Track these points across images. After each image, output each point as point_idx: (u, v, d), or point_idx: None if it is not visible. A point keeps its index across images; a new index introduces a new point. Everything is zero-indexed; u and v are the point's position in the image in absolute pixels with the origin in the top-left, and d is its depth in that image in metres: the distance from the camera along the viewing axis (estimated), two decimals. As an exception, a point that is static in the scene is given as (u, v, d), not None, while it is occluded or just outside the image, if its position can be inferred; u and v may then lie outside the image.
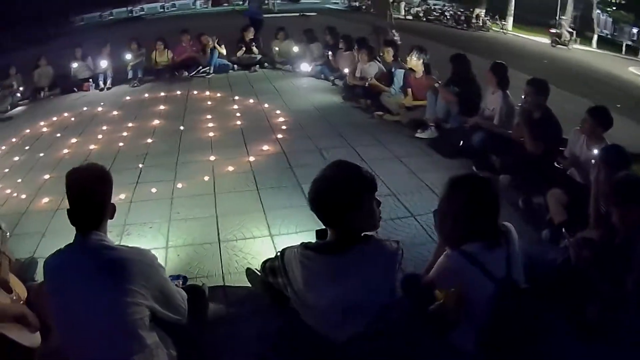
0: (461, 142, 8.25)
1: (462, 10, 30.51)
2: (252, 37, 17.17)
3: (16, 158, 10.10)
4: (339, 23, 21.28)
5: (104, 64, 16.45)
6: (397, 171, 7.84)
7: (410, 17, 34.24)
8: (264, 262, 3.91)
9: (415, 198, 6.94)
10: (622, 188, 4.14)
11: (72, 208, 3.30)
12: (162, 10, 50.19)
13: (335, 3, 42.53)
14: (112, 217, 3.45)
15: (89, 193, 3.30)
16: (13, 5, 35.73)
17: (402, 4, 36.34)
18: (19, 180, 8.56)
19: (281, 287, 3.26)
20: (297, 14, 27.80)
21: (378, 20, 17.81)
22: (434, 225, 3.94)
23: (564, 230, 4.52)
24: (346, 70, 13.00)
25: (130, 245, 3.46)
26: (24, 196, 7.90)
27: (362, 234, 3.08)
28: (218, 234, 6.34)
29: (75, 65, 16.70)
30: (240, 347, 4.33)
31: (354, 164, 3.15)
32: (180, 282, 4.90)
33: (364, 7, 38.47)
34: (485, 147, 7.71)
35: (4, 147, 11.05)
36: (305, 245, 3.16)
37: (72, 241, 3.32)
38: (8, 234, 5.46)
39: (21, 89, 16.02)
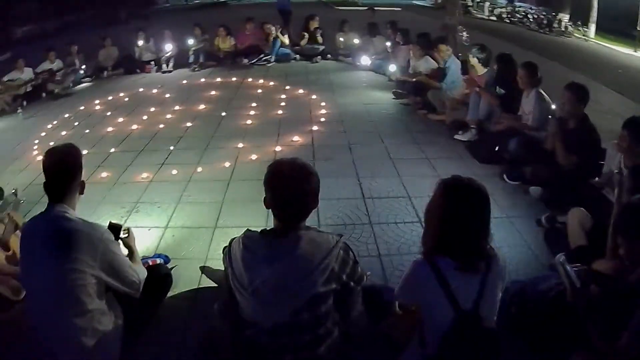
0: (497, 148, 7.75)
1: (544, 13, 29.32)
2: (317, 26, 17.00)
3: (63, 132, 10.65)
4: (420, 20, 20.87)
5: (167, 47, 16.72)
6: (422, 173, 7.50)
7: (494, 18, 33.25)
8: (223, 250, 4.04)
9: (429, 203, 6.56)
10: (631, 216, 3.50)
11: (45, 182, 3.75)
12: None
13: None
14: (81, 193, 3.89)
15: (56, 169, 3.74)
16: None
17: (487, 4, 35.49)
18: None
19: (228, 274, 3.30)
20: (364, 8, 27.29)
21: (448, 18, 17.23)
22: None
23: (563, 257, 3.82)
24: (393, 67, 12.70)
25: (90, 221, 3.70)
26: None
27: (305, 224, 3.20)
28: (217, 220, 6.41)
29: (139, 47, 17.08)
30: (183, 328, 4.47)
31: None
32: (160, 261, 5.26)
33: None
34: (519, 154, 7.18)
35: (55, 122, 11.64)
36: (249, 229, 3.29)
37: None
38: (22, 200, 6.32)
39: (83, 67, 16.48)
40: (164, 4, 44.91)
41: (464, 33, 16.75)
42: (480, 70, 9.27)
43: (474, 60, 9.40)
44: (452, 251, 3.03)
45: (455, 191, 3.10)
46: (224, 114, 11.03)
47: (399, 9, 31.60)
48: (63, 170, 3.75)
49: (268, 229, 3.23)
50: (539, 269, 5.04)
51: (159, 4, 43.84)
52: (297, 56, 16.69)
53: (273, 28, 16.64)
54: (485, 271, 3.04)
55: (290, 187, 3.08)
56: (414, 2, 43.16)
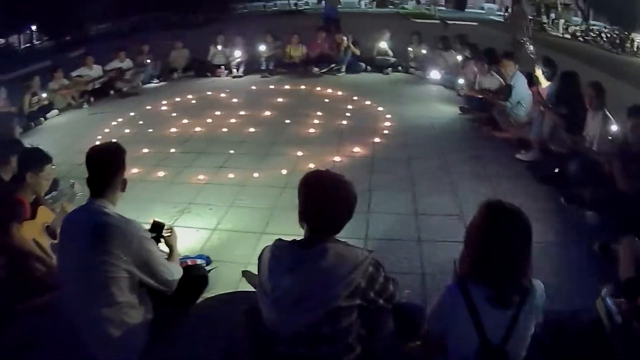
0: (557, 169, 7.52)
1: (617, 32, 28.46)
2: (388, 38, 16.85)
3: (127, 130, 11.03)
4: (494, 35, 20.65)
5: (238, 53, 16.98)
6: (479, 191, 7.32)
7: (568, 36, 32.47)
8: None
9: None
10: None
11: (87, 177, 3.90)
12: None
13: (499, 15, 41.29)
14: (123, 190, 4.05)
15: (98, 166, 3.91)
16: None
17: (561, 22, 34.70)
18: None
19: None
20: (438, 21, 27.03)
21: (518, 33, 17.00)
22: None
23: (606, 289, 3.64)
24: (462, 81, 12.56)
25: (128, 218, 3.82)
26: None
27: (334, 237, 3.11)
28: (266, 226, 6.48)
29: (212, 50, 17.37)
30: (212, 329, 4.49)
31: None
32: (200, 262, 5.47)
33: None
34: (578, 176, 6.90)
35: (120, 120, 12.05)
36: (279, 239, 3.24)
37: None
38: (79, 194, 6.37)
39: (153, 67, 16.98)
40: (242, 9, 45.53)
41: (530, 46, 16.56)
42: (544, 83, 9.14)
43: (538, 72, 9.32)
44: (487, 279, 2.93)
45: (498, 215, 2.98)
46: (288, 121, 11.10)
47: (475, 23, 31.26)
48: (104, 167, 3.90)
49: (298, 239, 3.18)
50: (585, 299, 4.75)
51: (237, 9, 44.44)
52: (368, 67, 16.59)
53: (345, 38, 16.61)
54: (518, 305, 2.93)
55: (324, 198, 3.06)
56: (491, 17, 42.64)
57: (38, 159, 5.51)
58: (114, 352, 3.68)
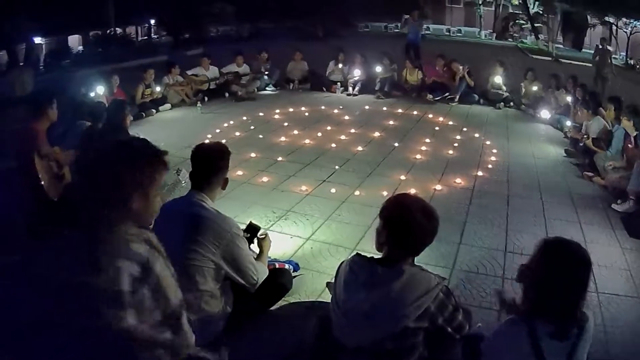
0: None
1: None
2: (502, 73, 16.80)
3: (237, 133, 11.64)
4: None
5: (356, 72, 17.33)
6: (569, 236, 7.05)
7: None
8: None
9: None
10: None
11: (191, 171, 4.27)
12: (447, 33, 50.61)
13: (614, 58, 40.02)
14: (223, 189, 4.35)
15: (203, 162, 4.25)
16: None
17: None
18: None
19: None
20: (551, 59, 26.63)
21: (603, 69, 16.98)
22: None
23: None
24: (569, 122, 12.60)
25: (225, 215, 4.18)
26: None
27: (412, 259, 3.31)
28: (358, 243, 6.68)
29: (330, 66, 17.85)
30: (286, 331, 4.74)
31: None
32: (288, 267, 5.62)
33: (638, 66, 35.85)
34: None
35: (232, 122, 12.71)
36: (358, 253, 3.42)
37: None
38: (184, 182, 6.87)
39: (270, 75, 17.53)
40: (363, 28, 45.94)
41: (614, 81, 16.78)
42: (632, 131, 9.15)
43: (624, 123, 9.33)
44: (549, 313, 2.99)
45: (566, 255, 3.06)
46: (396, 144, 11.33)
47: (590, 64, 30.74)
48: (208, 164, 4.23)
49: (377, 257, 3.34)
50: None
51: (358, 27, 44.78)
52: (481, 100, 16.63)
53: (461, 67, 16.71)
54: (576, 337, 3.00)
55: (409, 221, 3.17)
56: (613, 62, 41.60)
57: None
58: None
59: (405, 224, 3.19)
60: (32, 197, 7.13)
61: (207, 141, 10.54)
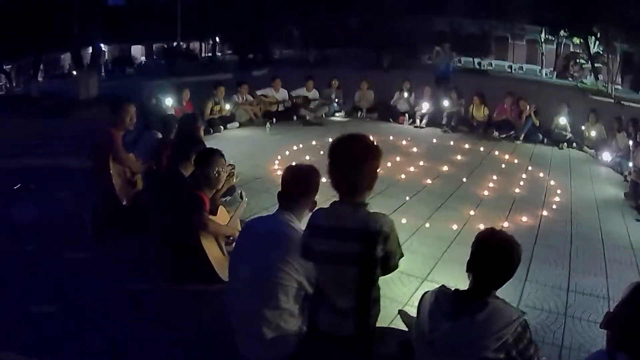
0: None
1: None
2: (566, 113, 16.94)
3: (307, 157, 11.83)
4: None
5: (425, 105, 17.65)
6: (628, 278, 6.61)
7: None
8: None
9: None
10: None
11: (281, 190, 4.32)
12: (508, 69, 50.83)
13: None
14: (311, 210, 4.22)
15: (293, 182, 4.30)
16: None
17: None
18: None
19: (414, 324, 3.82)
20: (613, 101, 26.57)
21: None
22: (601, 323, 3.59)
23: None
24: (630, 165, 12.71)
25: None
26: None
27: (495, 292, 3.49)
28: (429, 273, 6.96)
29: (396, 96, 18.29)
30: None
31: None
32: None
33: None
34: None
35: (301, 145, 13.19)
36: (443, 285, 3.68)
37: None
38: (246, 200, 7.20)
39: (340, 102, 18.06)
40: (427, 60, 46.41)
41: None
42: None
43: None
44: (630, 349, 3.05)
45: None
46: (464, 179, 11.65)
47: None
48: (298, 185, 4.26)
49: (462, 289, 3.53)
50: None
51: (422, 59, 45.23)
52: (545, 139, 16.80)
53: (528, 106, 16.90)
54: None
55: (494, 256, 3.39)
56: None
57: (211, 151, 6.14)
58: (260, 351, 4.07)
59: (492, 259, 3.40)
60: (103, 200, 7.59)
61: (277, 162, 11.24)
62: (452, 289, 3.57)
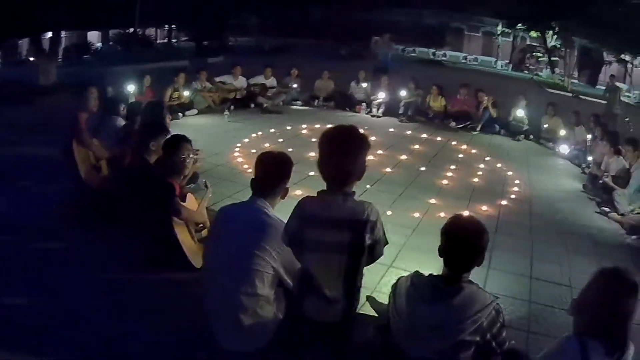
0: None
1: None
2: (524, 106, 17.16)
3: (267, 144, 11.97)
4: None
5: (381, 94, 17.62)
6: (589, 268, 6.78)
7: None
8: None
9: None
10: None
11: (255, 177, 4.33)
12: (463, 61, 51.22)
13: (627, 96, 40.05)
14: (283, 198, 4.38)
15: (268, 170, 4.32)
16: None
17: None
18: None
19: (389, 309, 3.91)
20: (571, 95, 27.00)
21: (612, 106, 17.58)
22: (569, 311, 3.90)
23: None
24: (589, 159, 12.93)
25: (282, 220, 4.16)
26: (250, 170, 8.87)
27: (467, 278, 3.58)
28: (394, 260, 6.93)
29: (355, 86, 18.24)
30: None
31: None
32: None
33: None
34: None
35: (260, 133, 13.19)
36: (417, 271, 3.80)
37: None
38: (211, 189, 6.88)
39: (298, 89, 18.04)
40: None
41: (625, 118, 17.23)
42: None
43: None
44: (600, 335, 3.22)
45: (617, 281, 3.34)
46: (423, 168, 11.70)
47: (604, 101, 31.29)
48: (273, 172, 4.30)
49: (436, 274, 3.64)
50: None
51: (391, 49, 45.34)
52: (502, 130, 16.92)
53: (486, 98, 17.02)
54: (619, 357, 3.24)
55: (464, 240, 3.51)
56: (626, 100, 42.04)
57: (179, 138, 6.12)
58: (238, 340, 4.08)
59: (462, 241, 3.53)
60: (71, 186, 7.51)
61: (237, 150, 11.15)
62: (427, 274, 3.68)
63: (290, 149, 11.34)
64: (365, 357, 4.15)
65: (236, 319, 3.97)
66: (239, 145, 11.81)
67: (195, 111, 15.07)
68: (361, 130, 4.13)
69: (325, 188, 3.92)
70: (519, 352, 4.00)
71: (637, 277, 3.35)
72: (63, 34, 28.21)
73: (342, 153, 3.88)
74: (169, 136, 6.45)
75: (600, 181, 11.22)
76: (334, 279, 3.82)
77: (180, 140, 6.12)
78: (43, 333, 4.79)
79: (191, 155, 6.21)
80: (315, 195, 3.95)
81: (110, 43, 34.51)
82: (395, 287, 3.83)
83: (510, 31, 51.36)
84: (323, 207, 3.86)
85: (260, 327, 4.05)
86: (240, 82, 16.78)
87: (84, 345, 4.69)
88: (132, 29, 32.17)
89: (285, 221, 4.01)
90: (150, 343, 4.81)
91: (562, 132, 15.77)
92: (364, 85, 18.23)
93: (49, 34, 21.07)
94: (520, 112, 17.06)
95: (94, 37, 37.14)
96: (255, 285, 3.97)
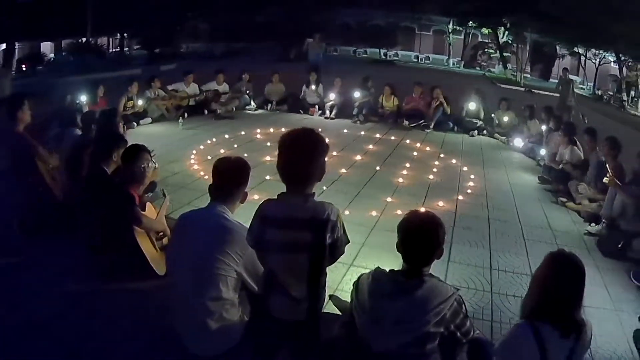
0: (620, 245, 7.94)
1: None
2: (477, 100, 17.34)
3: (222, 150, 11.98)
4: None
5: (332, 96, 17.72)
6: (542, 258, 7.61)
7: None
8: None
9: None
10: None
11: (213, 183, 4.36)
12: (415, 60, 51.68)
13: (581, 88, 40.67)
14: (242, 202, 4.41)
15: (226, 175, 4.34)
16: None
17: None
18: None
19: (352, 306, 3.84)
20: (524, 90, 27.40)
21: (565, 99, 18.21)
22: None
23: None
24: (544, 151, 13.04)
25: (243, 223, 4.19)
26: (207, 177, 8.97)
27: (428, 272, 3.59)
28: (354, 259, 6.97)
29: (306, 89, 18.25)
30: None
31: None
32: None
33: (605, 97, 36.97)
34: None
35: (214, 139, 13.14)
36: (378, 267, 3.76)
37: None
38: (169, 197, 7.01)
39: (250, 94, 17.98)
40: (332, 52, 46.56)
41: (579, 111, 17.83)
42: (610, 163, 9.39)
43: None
44: (551, 317, 3.42)
45: (564, 264, 3.56)
46: (378, 168, 11.74)
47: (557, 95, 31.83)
48: (231, 177, 4.33)
49: (396, 269, 3.65)
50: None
51: (328, 51, 45.47)
52: (455, 127, 17.06)
53: (440, 95, 17.14)
54: (575, 340, 3.42)
55: (420, 234, 3.53)
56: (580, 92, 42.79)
57: (137, 147, 6.16)
58: (206, 344, 4.10)
59: (417, 236, 3.56)
60: (34, 198, 7.37)
61: (193, 157, 11.05)
62: (387, 270, 3.68)
63: (245, 154, 11.13)
64: (332, 353, 4.14)
65: (203, 323, 3.99)
66: (194, 152, 11.71)
67: (149, 120, 14.95)
68: (319, 133, 4.12)
69: (284, 191, 3.98)
70: (483, 340, 4.12)
71: (592, 263, 3.38)
72: (17, 45, 27.76)
73: (303, 155, 3.93)
74: (126, 145, 6.48)
75: (560, 166, 11.32)
76: (298, 279, 3.91)
77: (140, 150, 6.14)
78: (6, 345, 4.73)
79: (150, 165, 6.23)
80: (276, 197, 4.02)
81: (63, 53, 34.01)
82: (357, 284, 3.80)
83: (461, 29, 51.89)
84: (284, 208, 3.92)
85: (227, 329, 4.09)
86: (193, 88, 16.67)
87: (48, 356, 4.64)
88: (84, 39, 31.81)
89: (246, 225, 4.06)
90: (118, 352, 4.77)
91: (514, 123, 16.08)
92: (314, 87, 18.25)
93: (3, 46, 20.69)
94: (472, 105, 17.26)
95: (47, 47, 36.66)
96: (219, 290, 3.99)
